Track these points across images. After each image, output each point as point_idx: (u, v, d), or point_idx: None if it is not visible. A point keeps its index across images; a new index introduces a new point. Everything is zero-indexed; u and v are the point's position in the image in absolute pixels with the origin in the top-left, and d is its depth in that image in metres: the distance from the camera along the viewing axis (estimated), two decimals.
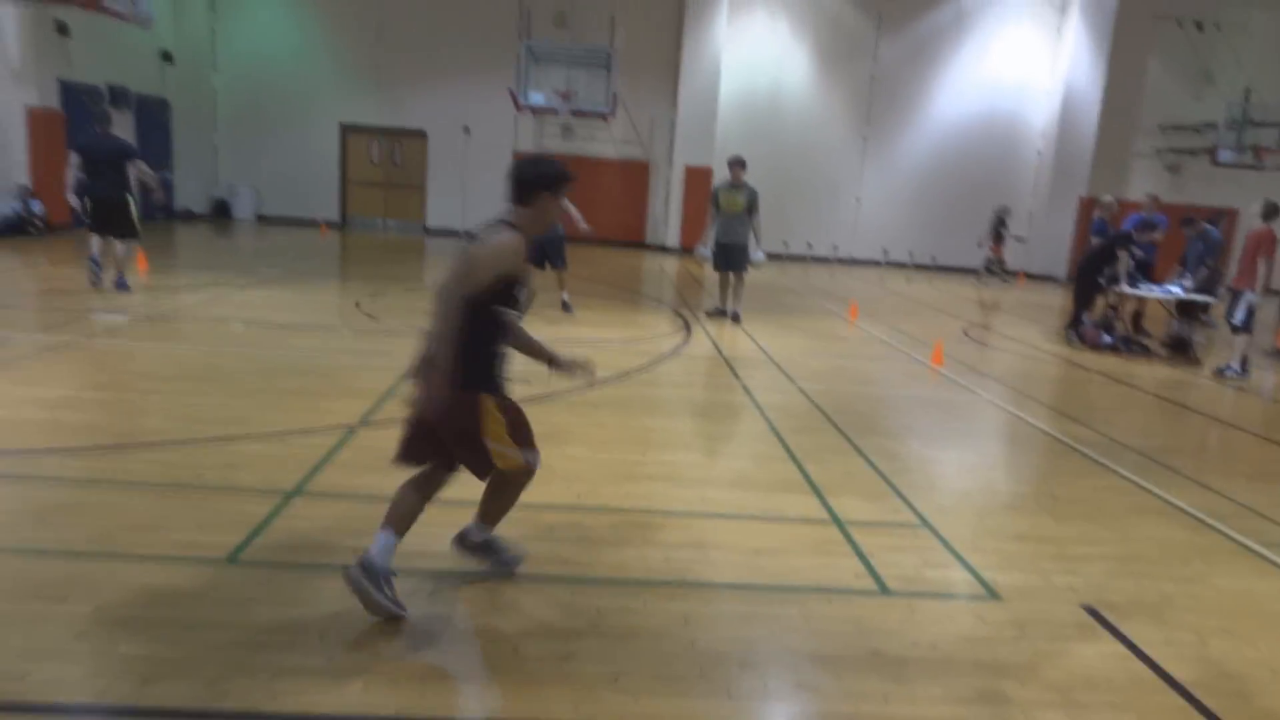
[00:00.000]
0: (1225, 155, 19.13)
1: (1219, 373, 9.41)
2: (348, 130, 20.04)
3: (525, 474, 3.36)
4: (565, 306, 10.11)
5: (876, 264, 21.05)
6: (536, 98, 18.36)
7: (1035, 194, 21.24)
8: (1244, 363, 9.43)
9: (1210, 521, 4.77)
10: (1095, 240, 12.03)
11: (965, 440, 6.34)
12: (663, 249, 20.35)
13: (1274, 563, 4.28)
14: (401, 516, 3.21)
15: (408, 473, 3.29)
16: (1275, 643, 3.48)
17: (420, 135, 20.08)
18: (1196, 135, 20.41)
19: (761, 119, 20.47)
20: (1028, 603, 3.63)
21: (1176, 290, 10.85)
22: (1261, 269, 9.34)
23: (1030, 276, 20.43)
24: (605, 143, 20.52)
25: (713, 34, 19.67)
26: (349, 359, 7.04)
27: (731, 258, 10.22)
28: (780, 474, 5.06)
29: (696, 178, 19.75)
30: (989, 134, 21.05)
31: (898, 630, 3.32)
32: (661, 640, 3.13)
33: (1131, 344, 10.75)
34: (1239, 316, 9.43)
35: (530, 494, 4.32)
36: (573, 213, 9.45)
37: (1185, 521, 4.77)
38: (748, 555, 3.88)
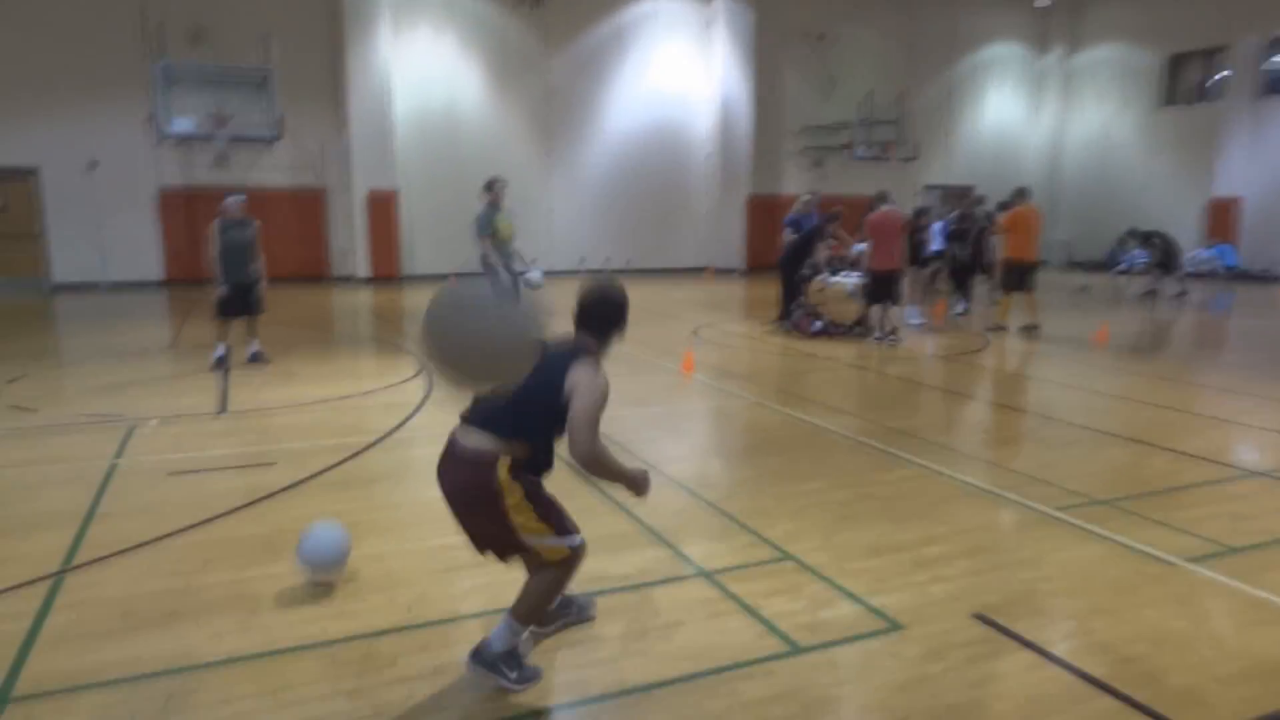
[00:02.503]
0: (860, 151, 21.82)
1: (879, 341, 10.61)
2: None
3: (571, 560, 3.02)
4: (258, 358, 8.79)
5: (575, 273, 21.18)
6: (182, 124, 16.03)
7: (708, 195, 22.67)
8: (893, 331, 10.81)
9: (1008, 495, 5.07)
10: (789, 234, 12.86)
11: (765, 450, 6.25)
12: (351, 280, 18.80)
13: (1079, 527, 4.60)
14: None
15: None
16: (1133, 610, 3.65)
17: (27, 174, 16.62)
18: (831, 134, 23.08)
19: (441, 138, 19.68)
20: (926, 626, 3.48)
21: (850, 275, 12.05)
22: (870, 250, 10.77)
23: (718, 271, 21.80)
24: (269, 171, 18.49)
25: (378, 51, 18.48)
26: (13, 476, 5.34)
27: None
28: (612, 526, 4.55)
29: (380, 202, 18.51)
30: (661, 142, 22.10)
31: (836, 695, 2.99)
32: None
33: (838, 327, 11.66)
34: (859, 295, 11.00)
35: (349, 620, 3.46)
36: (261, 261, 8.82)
37: (989, 500, 5.02)
38: (641, 640, 3.34)
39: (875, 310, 11.01)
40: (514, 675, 2.97)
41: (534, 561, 3.04)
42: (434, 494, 5.03)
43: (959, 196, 17.46)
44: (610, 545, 4.28)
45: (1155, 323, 13.96)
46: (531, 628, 3.18)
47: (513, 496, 2.86)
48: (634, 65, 21.65)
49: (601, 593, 3.74)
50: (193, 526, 4.42)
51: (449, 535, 4.34)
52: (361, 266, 18.85)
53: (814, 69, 23.39)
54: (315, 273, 18.98)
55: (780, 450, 6.13)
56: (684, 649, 3.29)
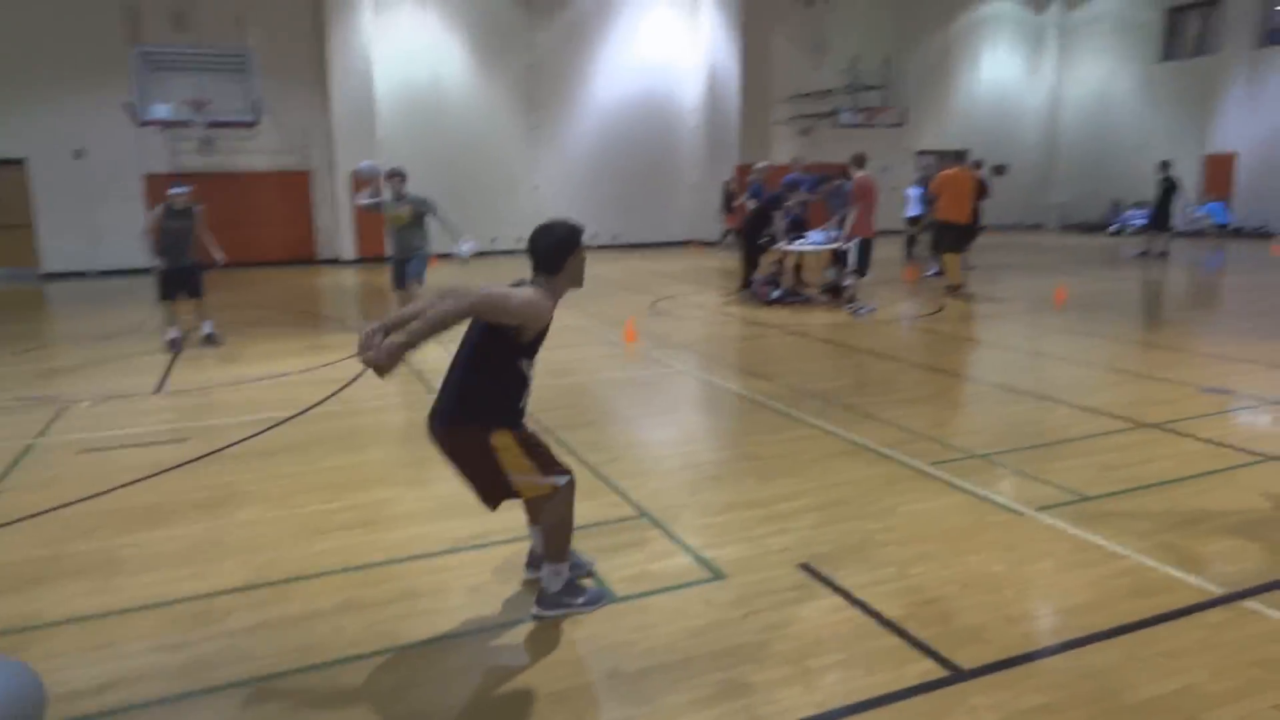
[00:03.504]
0: (845, 117, 21.65)
1: (854, 313, 10.50)
2: None
3: (561, 495, 3.25)
4: (210, 339, 9.02)
5: None
6: (162, 110, 16.23)
7: (695, 166, 22.62)
8: (851, 299, 10.66)
9: (888, 452, 5.17)
10: (751, 204, 12.90)
11: (666, 416, 6.40)
12: (337, 262, 19.03)
13: (944, 480, 4.70)
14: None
15: None
16: (958, 556, 3.77)
17: (14, 164, 16.92)
18: (820, 101, 22.88)
19: (425, 115, 19.77)
20: (749, 575, 3.62)
21: (818, 240, 11.93)
22: (858, 215, 10.55)
23: (705, 244, 21.80)
24: (254, 154, 18.68)
25: (359, 29, 18.57)
26: None
27: (406, 271, 9.50)
28: None
29: (364, 183, 18.62)
30: (647, 113, 22.05)
31: (632, 640, 3.14)
32: None
33: (796, 295, 11.71)
34: (852, 261, 10.69)
35: (198, 581, 3.65)
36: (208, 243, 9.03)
37: (869, 457, 5.12)
38: (464, 596, 3.51)
39: (856, 280, 10.83)
40: (581, 600, 3.33)
41: (526, 498, 3.29)
42: (327, 463, 5.27)
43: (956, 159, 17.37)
44: (476, 508, 4.42)
45: (1131, 282, 13.85)
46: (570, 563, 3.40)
47: (500, 440, 3.13)
48: (619, 35, 21.56)
49: (442, 553, 3.91)
50: (85, 499, 4.63)
51: (326, 502, 4.57)
52: (347, 248, 19.07)
53: (803, 35, 23.14)
54: (302, 255, 19.22)
55: (679, 414, 6.26)
56: (504, 600, 3.45)
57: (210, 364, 8.29)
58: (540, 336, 3.19)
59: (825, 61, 23.02)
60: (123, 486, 4.82)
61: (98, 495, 4.69)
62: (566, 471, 3.28)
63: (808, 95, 23.04)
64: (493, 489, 3.27)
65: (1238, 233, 20.79)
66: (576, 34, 21.16)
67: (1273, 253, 17.50)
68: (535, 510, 3.36)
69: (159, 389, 7.27)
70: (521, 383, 3.21)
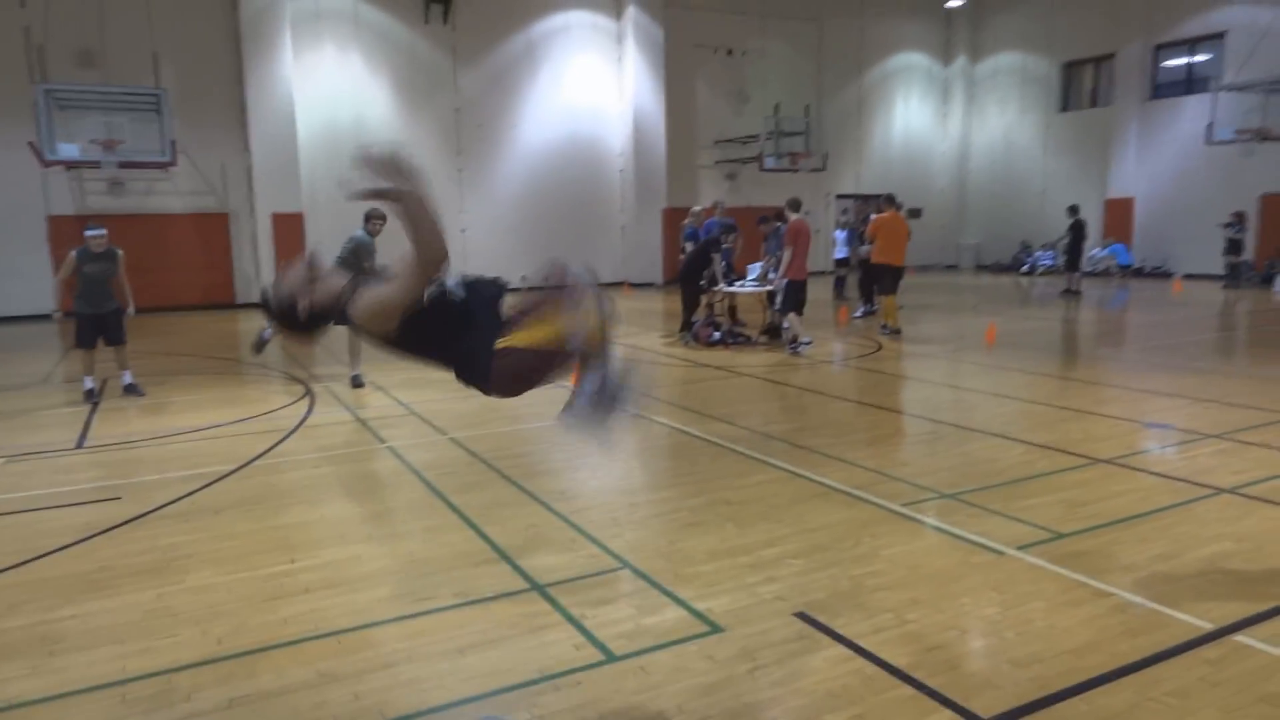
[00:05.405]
0: (770, 162, 22.16)
1: (792, 352, 10.63)
2: None
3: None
4: (131, 389, 8.50)
5: None
6: (69, 150, 15.46)
7: (624, 209, 22.77)
8: (794, 339, 10.80)
9: (859, 494, 5.15)
10: (688, 246, 13.01)
11: (631, 462, 6.26)
12: (259, 306, 18.34)
13: (918, 521, 4.70)
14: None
15: None
16: (951, 599, 3.73)
17: None
18: (744, 147, 23.40)
19: (348, 158, 19.29)
20: (747, 627, 3.51)
21: (755, 282, 12.08)
22: (791, 256, 10.72)
23: (632, 285, 21.86)
24: (169, 196, 17.99)
25: (279, 70, 18.15)
26: None
27: None
28: (458, 545, 4.49)
29: (286, 225, 18.12)
30: (575, 157, 22.12)
31: (638, 703, 2.98)
32: None
33: (736, 336, 11.78)
34: (779, 302, 10.94)
35: (152, 656, 3.34)
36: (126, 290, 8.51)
37: (841, 499, 5.09)
38: (448, 661, 3.29)
39: (794, 319, 10.94)
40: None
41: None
42: (278, 520, 4.95)
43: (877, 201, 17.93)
44: (448, 564, 4.22)
45: (1051, 320, 14.43)
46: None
47: (506, 342, 2.52)
48: (546, 80, 21.64)
49: (417, 615, 3.68)
50: (9, 569, 4.22)
51: (283, 564, 4.27)
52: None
53: (725, 83, 23.71)
54: (221, 299, 18.48)
55: (643, 459, 6.15)
56: (496, 664, 3.25)
57: (133, 416, 7.79)
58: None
59: (746, 109, 23.61)
60: (52, 553, 4.41)
61: (23, 564, 4.28)
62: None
63: (731, 141, 23.56)
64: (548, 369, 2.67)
65: (1139, 272, 21.98)
66: (503, 78, 21.16)
67: (1175, 290, 18.54)
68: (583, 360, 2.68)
69: (80, 444, 6.77)
70: (461, 307, 2.57)
